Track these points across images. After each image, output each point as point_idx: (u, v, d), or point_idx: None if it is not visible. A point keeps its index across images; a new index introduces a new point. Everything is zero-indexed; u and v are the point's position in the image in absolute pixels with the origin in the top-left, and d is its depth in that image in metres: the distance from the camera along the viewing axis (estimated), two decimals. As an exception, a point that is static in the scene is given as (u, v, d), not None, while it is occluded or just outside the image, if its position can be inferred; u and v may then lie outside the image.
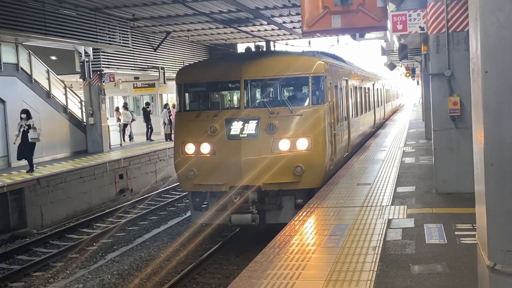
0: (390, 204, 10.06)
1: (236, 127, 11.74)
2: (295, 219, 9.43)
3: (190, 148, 12.22)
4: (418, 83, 47.04)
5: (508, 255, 2.82)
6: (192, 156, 12.15)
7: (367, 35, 21.26)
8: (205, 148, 11.99)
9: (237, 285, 6.29)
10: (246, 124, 11.70)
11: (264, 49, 14.27)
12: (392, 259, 6.88)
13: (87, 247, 14.62)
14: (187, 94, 13.10)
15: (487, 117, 2.92)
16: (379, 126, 27.81)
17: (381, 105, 29.83)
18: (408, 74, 42.05)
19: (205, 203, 12.52)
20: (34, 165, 18.23)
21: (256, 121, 11.69)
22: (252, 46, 14.16)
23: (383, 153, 17.54)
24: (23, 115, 17.90)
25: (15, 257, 13.95)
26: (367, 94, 21.77)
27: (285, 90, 13.16)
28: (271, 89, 12.80)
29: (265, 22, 25.04)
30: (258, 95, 12.58)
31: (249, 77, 12.18)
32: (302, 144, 11.57)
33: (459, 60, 10.24)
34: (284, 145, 11.60)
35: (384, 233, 8.09)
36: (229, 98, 13.68)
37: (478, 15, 2.94)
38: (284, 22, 25.73)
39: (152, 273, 11.71)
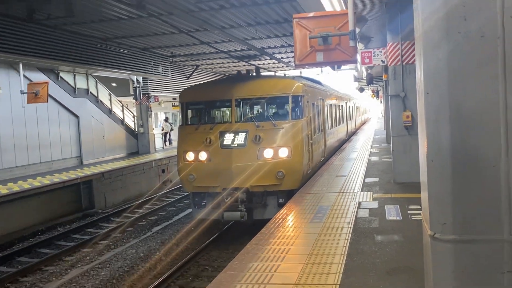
0: (360, 191, 10.09)
1: (228, 138, 10.85)
2: (291, 202, 9.31)
3: (190, 156, 11.21)
4: (380, 102, 46.90)
5: (443, 226, 2.84)
6: (192, 163, 11.14)
7: (343, 67, 21.24)
8: (203, 156, 11.05)
9: (247, 250, 6.30)
10: (236, 136, 10.83)
11: (255, 73, 13.31)
12: (362, 231, 6.91)
13: (139, 222, 14.72)
14: (188, 111, 12.09)
15: (429, 127, 2.94)
16: (351, 134, 27.38)
17: (353, 118, 29.20)
18: (373, 95, 41.97)
19: (203, 202, 11.45)
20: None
21: (244, 133, 10.80)
22: (243, 70, 13.12)
23: (355, 153, 17.52)
24: None
25: (85, 230, 14.11)
26: (340, 110, 20.76)
27: (269, 107, 12.00)
28: (258, 107, 11.88)
29: (268, 58, 25.05)
30: (246, 112, 11.53)
31: (239, 96, 11.31)
32: (283, 152, 10.64)
33: (410, 84, 10.25)
34: (268, 153, 10.63)
35: (355, 212, 8.12)
36: (222, 114, 12.31)
37: (422, 51, 2.96)
38: (282, 57, 25.73)
39: (185, 239, 11.75)
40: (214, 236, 11.61)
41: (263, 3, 13.23)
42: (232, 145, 10.72)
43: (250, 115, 11.45)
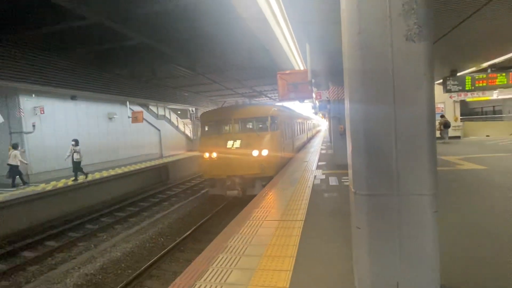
0: (315, 169, 9.89)
1: (230, 143, 9.89)
2: (276, 177, 9.00)
3: (207, 155, 10.14)
4: (326, 121, 46.53)
5: (360, 187, 2.85)
6: (208, 159, 10.08)
7: (306, 100, 21.05)
8: (214, 154, 10.00)
9: (248, 207, 6.23)
10: (235, 142, 9.88)
11: (247, 101, 12.41)
12: (316, 191, 6.83)
13: (194, 188, 14.64)
14: (205, 126, 11.04)
15: (352, 133, 2.94)
16: (310, 139, 26.45)
17: (311, 130, 28.43)
18: (322, 117, 41.56)
19: (214, 184, 10.36)
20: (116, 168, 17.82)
21: (240, 140, 9.91)
22: (240, 100, 12.51)
23: (312, 149, 17.31)
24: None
25: (165, 192, 13.96)
26: (303, 125, 19.92)
27: (256, 123, 10.90)
28: (249, 123, 10.91)
29: (263, 96, 25.08)
30: (242, 126, 10.60)
31: (237, 117, 10.43)
32: (264, 152, 9.73)
33: (342, 110, 10.03)
34: (255, 153, 9.69)
35: (313, 181, 8.03)
36: (226, 127, 11.02)
37: (348, 92, 2.97)
38: (271, 96, 25.76)
39: (219, 200, 11.55)
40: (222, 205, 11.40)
41: (261, 66, 13.26)
42: (232, 148, 9.87)
43: (244, 128, 10.62)
